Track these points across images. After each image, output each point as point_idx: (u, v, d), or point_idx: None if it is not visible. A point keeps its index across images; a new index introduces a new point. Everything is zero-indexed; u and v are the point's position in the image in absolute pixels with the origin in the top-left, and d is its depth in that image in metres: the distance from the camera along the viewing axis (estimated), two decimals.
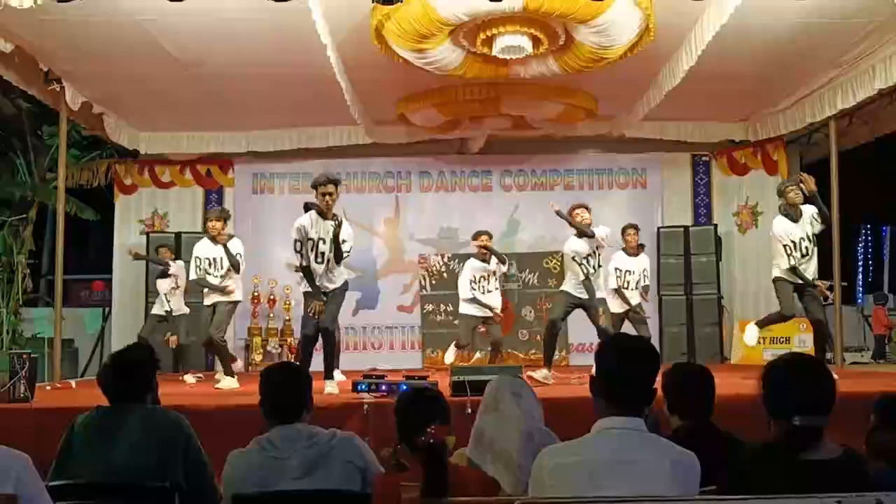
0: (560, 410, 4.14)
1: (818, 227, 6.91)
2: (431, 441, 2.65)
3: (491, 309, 8.18)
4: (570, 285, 7.39)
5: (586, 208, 7.48)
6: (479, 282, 8.22)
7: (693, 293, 10.23)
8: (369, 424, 5.12)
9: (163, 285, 8.69)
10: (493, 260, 8.22)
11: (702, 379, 3.09)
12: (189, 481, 2.81)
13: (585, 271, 7.30)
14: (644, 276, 8.06)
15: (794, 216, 6.85)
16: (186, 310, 8.71)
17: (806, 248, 6.85)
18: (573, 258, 7.35)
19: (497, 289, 8.31)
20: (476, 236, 8.35)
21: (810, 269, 6.89)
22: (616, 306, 7.97)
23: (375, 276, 10.78)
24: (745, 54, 7.51)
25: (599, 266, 7.47)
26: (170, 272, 8.66)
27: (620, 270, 7.99)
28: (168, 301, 8.60)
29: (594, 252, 7.36)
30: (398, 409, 2.94)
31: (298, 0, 5.57)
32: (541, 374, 7.04)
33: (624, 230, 8.15)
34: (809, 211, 6.88)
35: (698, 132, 10.35)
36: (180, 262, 8.78)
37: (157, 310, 8.71)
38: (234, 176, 11.04)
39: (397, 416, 2.89)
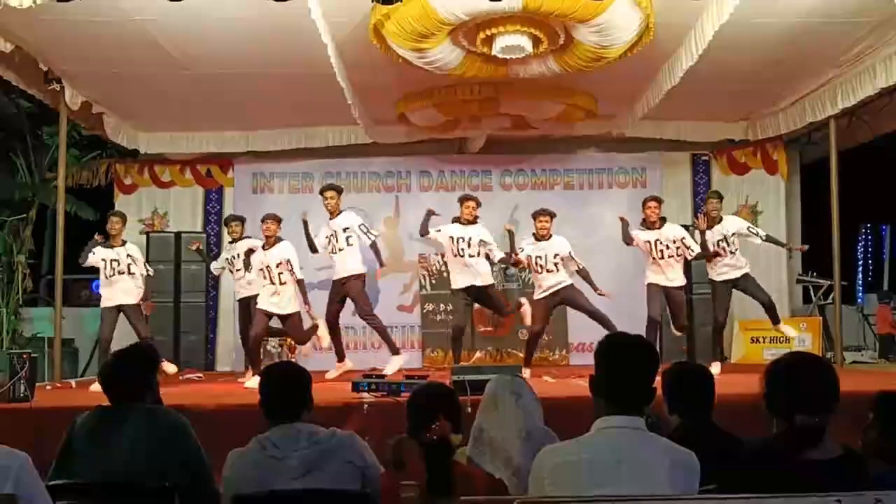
0: (560, 410, 4.14)
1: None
2: (435, 437, 2.65)
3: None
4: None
5: (549, 216, 7.91)
6: (458, 243, 7.90)
7: (693, 292, 10.21)
8: (369, 424, 5.12)
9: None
10: (477, 227, 7.94)
11: (701, 378, 3.10)
12: (189, 481, 2.80)
13: (531, 271, 7.73)
14: (673, 245, 7.94)
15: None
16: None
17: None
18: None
19: (478, 255, 7.90)
20: (463, 199, 8.15)
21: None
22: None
23: (375, 276, 10.76)
24: (744, 54, 7.50)
25: (547, 269, 7.78)
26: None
27: (650, 243, 8.02)
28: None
29: (543, 255, 7.78)
30: (409, 402, 2.94)
31: (298, 0, 5.57)
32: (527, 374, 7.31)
33: (644, 203, 8.13)
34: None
35: (698, 131, 10.34)
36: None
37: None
38: (234, 175, 11.02)
39: (408, 410, 2.89)
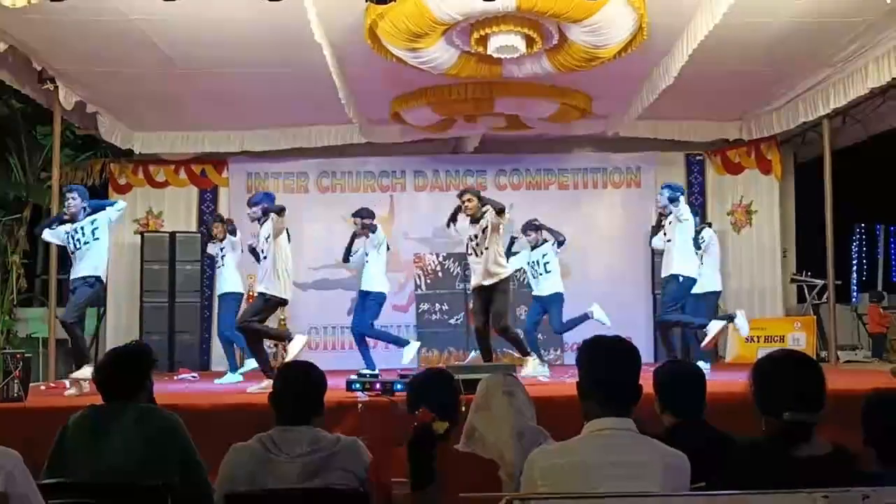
0: (553, 409, 4.14)
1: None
2: (416, 424, 2.66)
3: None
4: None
5: (476, 196, 7.28)
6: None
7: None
8: (364, 423, 5.12)
9: None
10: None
11: (693, 377, 3.11)
12: (182, 481, 2.80)
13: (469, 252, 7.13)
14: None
15: None
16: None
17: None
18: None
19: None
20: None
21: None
22: None
23: None
24: (738, 53, 7.52)
25: (486, 248, 7.03)
26: None
27: None
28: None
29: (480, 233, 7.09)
30: (409, 384, 3.02)
31: None
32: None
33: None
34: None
35: (692, 131, 10.36)
36: None
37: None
38: (229, 175, 11.01)
39: (408, 394, 3.01)
